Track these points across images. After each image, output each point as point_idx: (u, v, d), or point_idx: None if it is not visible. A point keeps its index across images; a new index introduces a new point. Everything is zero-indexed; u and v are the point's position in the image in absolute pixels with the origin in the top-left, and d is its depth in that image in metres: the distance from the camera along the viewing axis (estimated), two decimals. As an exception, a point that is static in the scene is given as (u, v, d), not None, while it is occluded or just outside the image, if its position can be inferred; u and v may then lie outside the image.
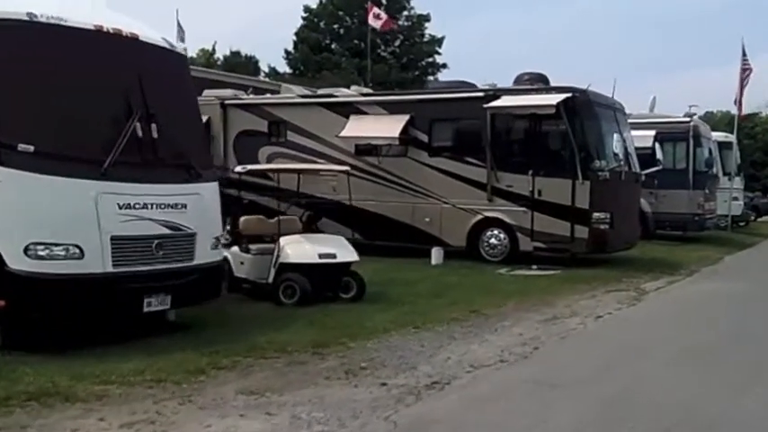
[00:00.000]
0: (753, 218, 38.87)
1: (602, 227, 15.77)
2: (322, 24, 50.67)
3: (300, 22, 50.22)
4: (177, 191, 8.15)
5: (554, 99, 15.47)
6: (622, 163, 16.43)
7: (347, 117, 17.85)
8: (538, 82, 17.09)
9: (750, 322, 10.56)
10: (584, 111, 15.85)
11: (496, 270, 15.44)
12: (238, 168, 12.16)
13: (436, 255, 16.39)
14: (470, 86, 17.40)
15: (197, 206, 8.34)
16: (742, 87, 28.09)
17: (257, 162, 18.84)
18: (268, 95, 20.52)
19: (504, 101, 16.18)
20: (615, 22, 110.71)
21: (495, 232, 16.53)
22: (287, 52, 49.72)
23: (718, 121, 71.50)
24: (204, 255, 8.48)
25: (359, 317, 9.82)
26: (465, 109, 16.61)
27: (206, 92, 20.17)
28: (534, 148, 16.22)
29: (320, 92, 19.77)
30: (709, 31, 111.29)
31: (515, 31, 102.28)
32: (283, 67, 50.20)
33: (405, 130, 17.16)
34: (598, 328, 9.97)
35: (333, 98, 18.48)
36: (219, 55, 55.08)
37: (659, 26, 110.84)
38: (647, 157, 22.57)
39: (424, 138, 17.29)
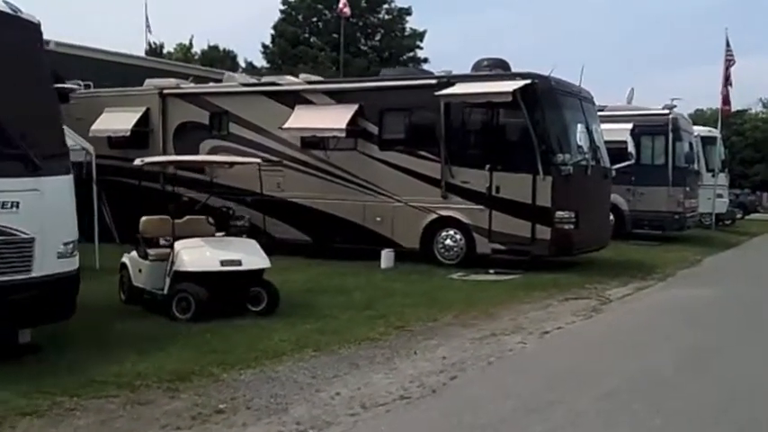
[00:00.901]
0: (740, 215, 37.41)
1: (565, 227, 14.19)
2: (300, 17, 49.01)
3: (279, 15, 48.58)
4: (5, 186, 6.54)
5: (511, 86, 13.88)
6: (589, 157, 14.84)
7: (292, 107, 16.28)
8: (497, 68, 15.50)
9: (719, 340, 8.98)
10: (545, 99, 14.27)
11: (449, 275, 13.87)
12: (137, 161, 10.55)
13: (386, 258, 14.82)
14: (425, 74, 15.79)
15: (35, 205, 6.74)
16: (726, 79, 26.51)
17: (198, 157, 17.24)
18: (211, 84, 18.88)
19: (458, 88, 14.59)
20: (610, 18, 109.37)
21: (451, 233, 14.96)
22: (264, 46, 48.08)
23: (708, 117, 70.15)
24: (47, 265, 6.87)
25: (255, 336, 8.22)
26: (417, 98, 15.02)
27: (147, 81, 18.61)
28: (492, 140, 14.63)
29: (264, 80, 18.14)
30: (703, 28, 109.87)
31: (501, 26, 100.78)
32: (261, 62, 48.59)
33: (353, 121, 15.58)
34: (540, 348, 8.38)
35: (277, 87, 16.86)
36: (197, 49, 53.53)
37: (652, 23, 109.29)
38: (623, 152, 21.15)
39: (374, 129, 15.69)
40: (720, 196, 27.13)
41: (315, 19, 48.97)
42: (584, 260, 15.90)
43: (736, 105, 69.61)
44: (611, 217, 21.42)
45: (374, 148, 15.67)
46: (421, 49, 49.63)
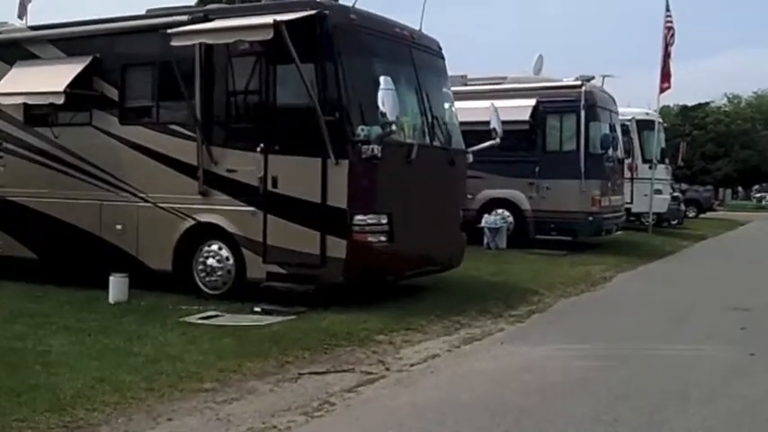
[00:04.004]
0: (693, 214, 32.38)
1: (370, 239, 8.86)
2: None
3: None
4: None
5: (274, 18, 8.49)
6: (417, 132, 9.53)
7: (12, 65, 10.88)
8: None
9: None
10: (338, 40, 8.89)
11: (191, 315, 8.52)
12: None
13: (115, 287, 9.39)
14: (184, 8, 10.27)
15: None
16: (667, 50, 21.20)
17: None
18: None
19: (203, 25, 9.22)
20: (590, 12, 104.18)
21: (214, 248, 9.57)
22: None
23: (676, 114, 64.98)
24: None
25: None
26: (166, 46, 9.53)
27: None
28: (265, 106, 9.27)
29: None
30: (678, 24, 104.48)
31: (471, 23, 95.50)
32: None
33: (82, 82, 10.21)
34: None
35: (-7, 36, 11.40)
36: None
37: (630, 20, 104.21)
38: (521, 135, 16.02)
39: (114, 94, 10.29)
40: (659, 192, 21.83)
41: None
42: (432, 283, 10.62)
43: (700, 99, 65.03)
44: (510, 219, 16.43)
45: (113, 121, 10.28)
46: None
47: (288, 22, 8.42)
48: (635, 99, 40.01)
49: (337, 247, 8.78)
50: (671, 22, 20.89)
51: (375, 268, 8.97)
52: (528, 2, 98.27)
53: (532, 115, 15.98)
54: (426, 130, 9.74)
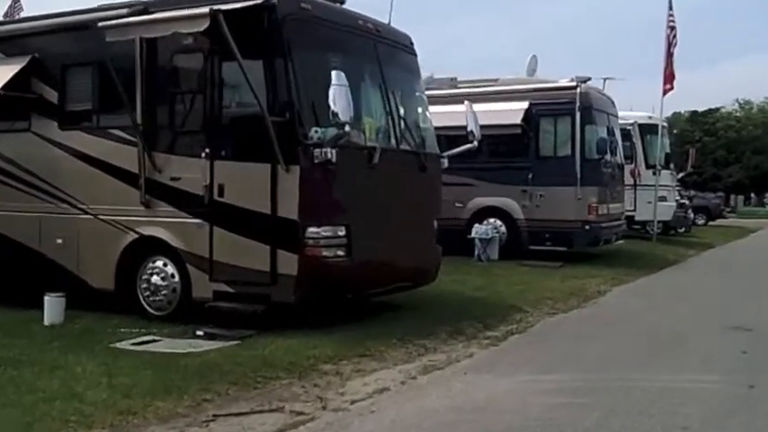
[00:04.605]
0: (702, 221, 31.21)
1: (324, 253, 7.88)
2: None
3: None
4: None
5: (211, 7, 7.57)
6: (381, 134, 8.56)
7: (-52, 68, 10.01)
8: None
9: None
10: (288, 33, 7.92)
11: (118, 342, 7.57)
12: None
13: (51, 309, 8.47)
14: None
15: None
16: (670, 50, 20.16)
17: None
18: None
19: (138, 18, 8.31)
20: (584, 20, 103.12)
21: (159, 264, 8.62)
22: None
23: (686, 120, 63.74)
24: None
25: None
26: (107, 43, 8.64)
27: None
28: (210, 108, 8.32)
29: None
30: (687, 30, 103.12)
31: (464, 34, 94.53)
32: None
33: (20, 84, 9.34)
34: None
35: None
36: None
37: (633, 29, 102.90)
38: (513, 139, 15.10)
39: (53, 97, 9.40)
40: (664, 199, 20.72)
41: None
42: (407, 300, 9.63)
43: (710, 104, 63.72)
44: (503, 228, 15.41)
45: (53, 126, 9.39)
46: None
47: (229, 12, 7.50)
48: (642, 104, 38.95)
49: (288, 263, 7.82)
50: (673, 21, 19.88)
51: (331, 286, 7.98)
52: (535, 10, 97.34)
53: (525, 119, 14.99)
54: (392, 132, 8.76)
